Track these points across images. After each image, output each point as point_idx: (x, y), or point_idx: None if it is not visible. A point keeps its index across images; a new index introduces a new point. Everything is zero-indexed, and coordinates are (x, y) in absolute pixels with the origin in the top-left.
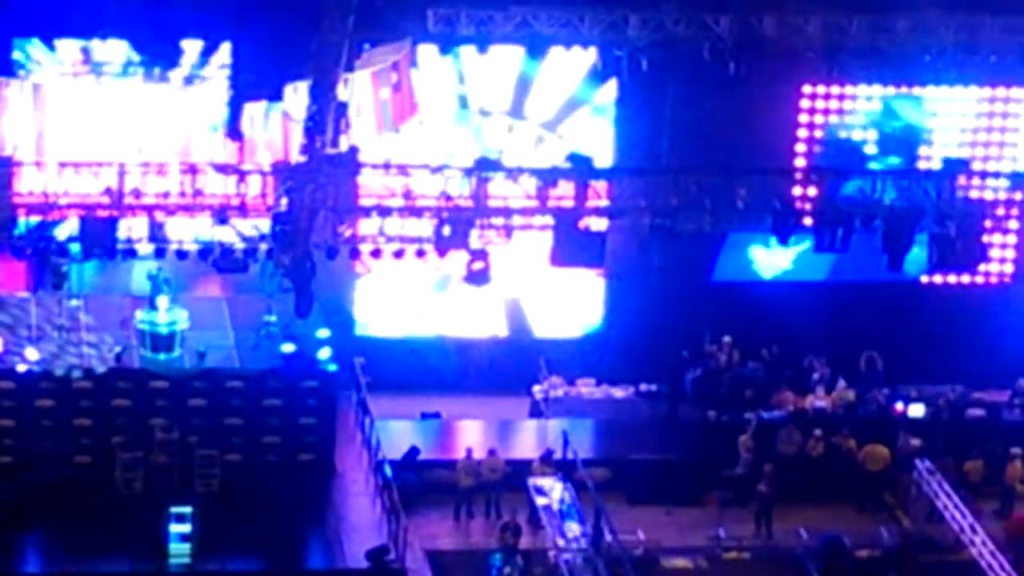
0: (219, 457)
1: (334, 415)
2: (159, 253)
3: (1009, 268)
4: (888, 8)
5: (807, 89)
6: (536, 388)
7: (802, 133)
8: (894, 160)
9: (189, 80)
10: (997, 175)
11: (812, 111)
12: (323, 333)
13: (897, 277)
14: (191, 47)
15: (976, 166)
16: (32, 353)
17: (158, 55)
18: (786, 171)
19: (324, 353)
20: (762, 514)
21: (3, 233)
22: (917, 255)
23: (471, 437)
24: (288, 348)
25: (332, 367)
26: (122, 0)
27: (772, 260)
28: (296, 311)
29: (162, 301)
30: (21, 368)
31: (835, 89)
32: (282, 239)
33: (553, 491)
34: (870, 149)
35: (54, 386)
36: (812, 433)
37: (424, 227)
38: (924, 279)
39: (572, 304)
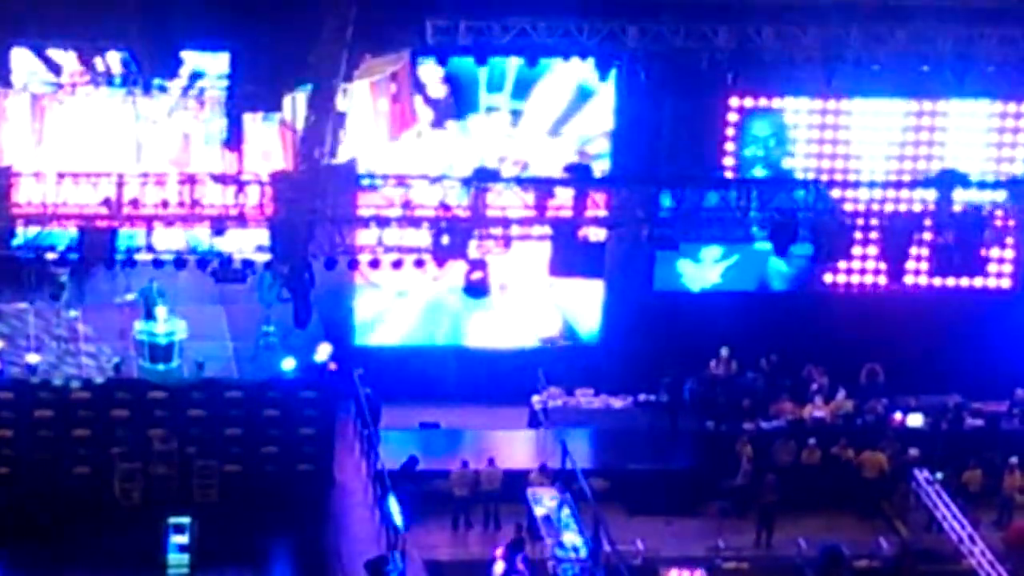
0: (218, 468)
1: (333, 425)
2: (157, 263)
3: (1007, 283)
4: (886, 18)
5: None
6: (535, 398)
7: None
8: None
9: (187, 91)
10: (995, 185)
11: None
12: (324, 347)
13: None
14: (190, 58)
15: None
16: (30, 363)
17: (157, 66)
18: (784, 181)
19: (322, 355)
20: (764, 523)
21: (2, 244)
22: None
23: (470, 447)
24: (289, 364)
25: (328, 363)
26: (120, 11)
27: (701, 274)
28: (295, 321)
29: (160, 311)
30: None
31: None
32: (280, 249)
33: (552, 501)
34: None
35: (52, 396)
36: (807, 443)
37: (423, 237)
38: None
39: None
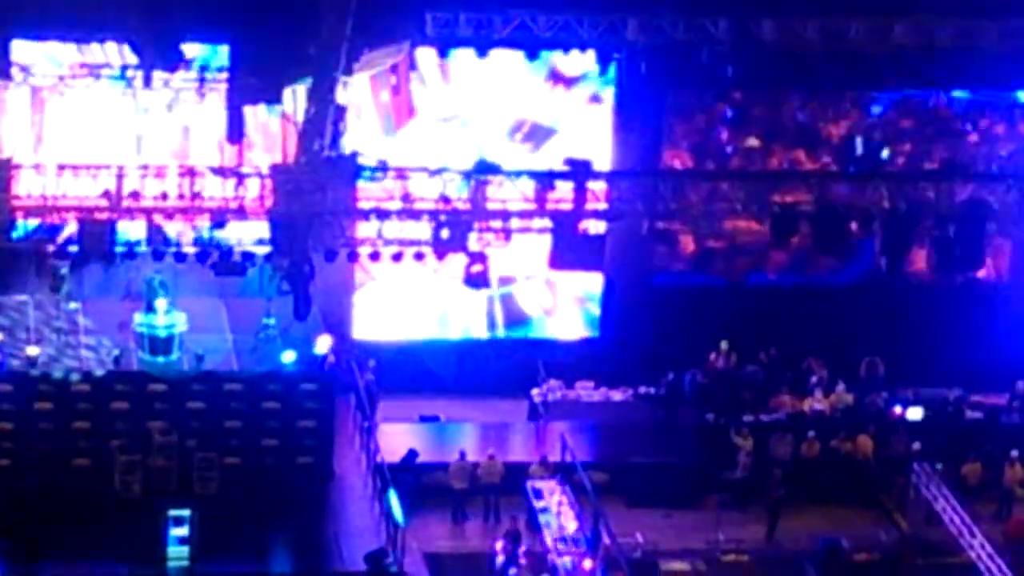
0: (218, 460)
1: (332, 418)
2: (157, 256)
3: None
4: (887, 12)
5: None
6: (535, 391)
7: None
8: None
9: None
10: (988, 176)
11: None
12: (324, 340)
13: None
14: (190, 50)
15: None
16: (33, 352)
17: (157, 58)
18: (782, 174)
19: (322, 348)
20: (771, 517)
21: (2, 236)
22: None
23: (469, 440)
24: (289, 357)
25: (328, 356)
26: (121, 3)
27: None
28: (294, 314)
29: (160, 304)
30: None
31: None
32: (280, 242)
33: (552, 494)
34: None
35: (52, 389)
36: (806, 435)
37: (423, 230)
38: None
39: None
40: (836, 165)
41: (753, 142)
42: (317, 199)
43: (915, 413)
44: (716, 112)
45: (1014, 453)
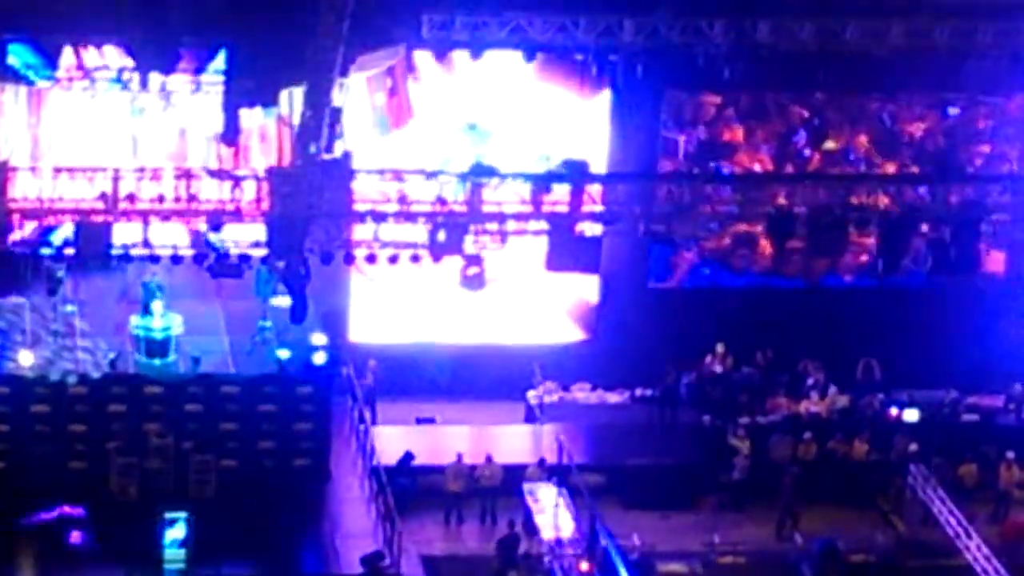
0: (214, 463)
1: (329, 420)
2: (153, 258)
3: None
4: (883, 13)
5: None
6: (531, 393)
7: None
8: None
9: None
10: (988, 178)
11: None
12: (319, 339)
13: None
14: (187, 53)
15: None
16: (27, 358)
17: (154, 61)
18: (777, 176)
19: (319, 357)
20: (787, 517)
21: None
22: None
23: (465, 442)
24: (284, 354)
25: (322, 357)
26: (118, 5)
27: None
28: (291, 316)
29: (157, 306)
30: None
31: None
32: (277, 244)
33: (548, 496)
34: None
35: (49, 391)
36: (802, 437)
37: (419, 232)
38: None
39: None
40: (915, 167)
41: (831, 145)
42: (313, 201)
43: (911, 415)
44: (794, 115)
45: (1010, 455)
